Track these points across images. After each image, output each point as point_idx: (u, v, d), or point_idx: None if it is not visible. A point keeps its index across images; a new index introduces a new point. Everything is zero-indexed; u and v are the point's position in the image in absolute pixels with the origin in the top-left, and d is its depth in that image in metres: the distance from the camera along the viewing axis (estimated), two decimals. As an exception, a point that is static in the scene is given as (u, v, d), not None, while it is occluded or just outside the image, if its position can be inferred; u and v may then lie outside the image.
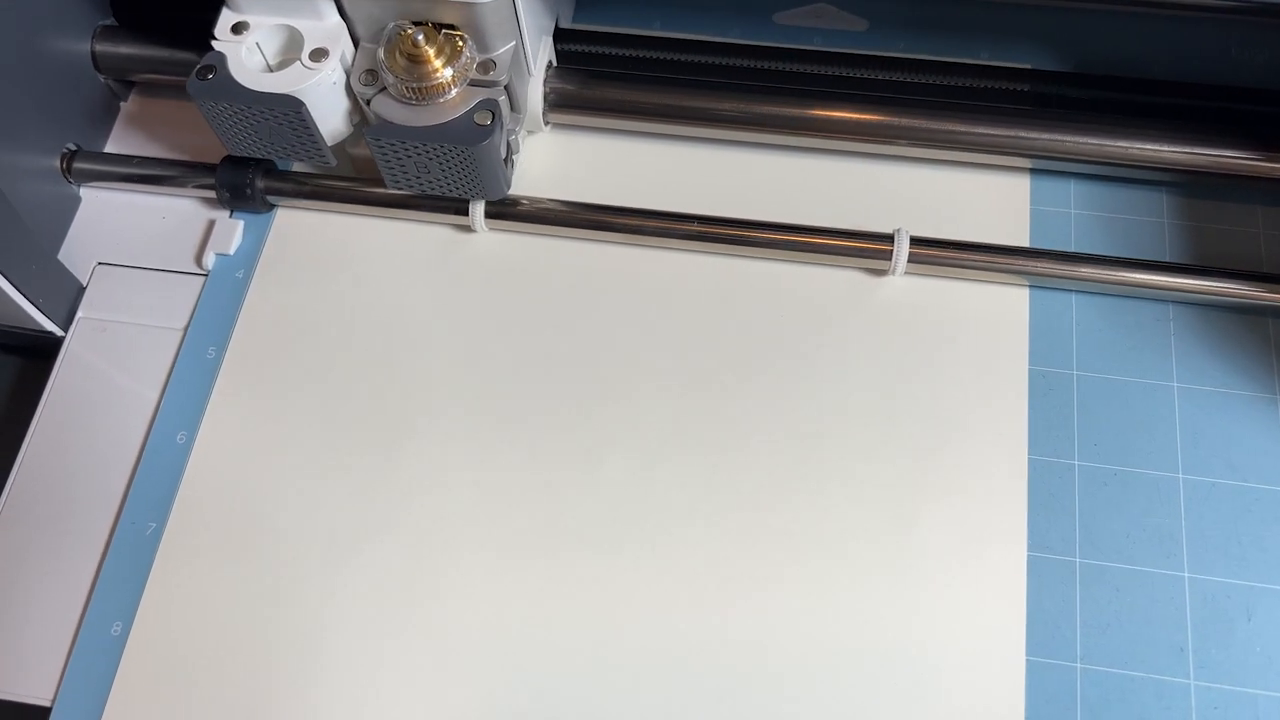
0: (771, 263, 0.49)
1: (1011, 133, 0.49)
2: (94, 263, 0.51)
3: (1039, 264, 0.47)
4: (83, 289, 0.50)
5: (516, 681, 0.41)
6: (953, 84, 0.51)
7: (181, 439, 0.46)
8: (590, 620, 0.42)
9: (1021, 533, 0.43)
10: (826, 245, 0.48)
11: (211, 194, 0.51)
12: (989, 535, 0.43)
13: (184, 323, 0.49)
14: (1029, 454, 0.44)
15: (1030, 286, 0.48)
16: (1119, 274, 0.47)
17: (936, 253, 0.47)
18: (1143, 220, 0.50)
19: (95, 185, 0.53)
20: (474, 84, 0.45)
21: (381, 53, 0.45)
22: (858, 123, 0.50)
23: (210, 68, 0.45)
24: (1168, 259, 0.48)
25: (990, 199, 0.50)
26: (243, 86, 0.44)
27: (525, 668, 0.41)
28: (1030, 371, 0.46)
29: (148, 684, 0.42)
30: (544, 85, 0.50)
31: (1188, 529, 0.43)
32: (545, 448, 0.45)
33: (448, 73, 0.44)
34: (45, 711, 0.42)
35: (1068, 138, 0.48)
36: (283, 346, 0.48)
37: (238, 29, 0.46)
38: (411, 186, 0.48)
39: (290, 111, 0.45)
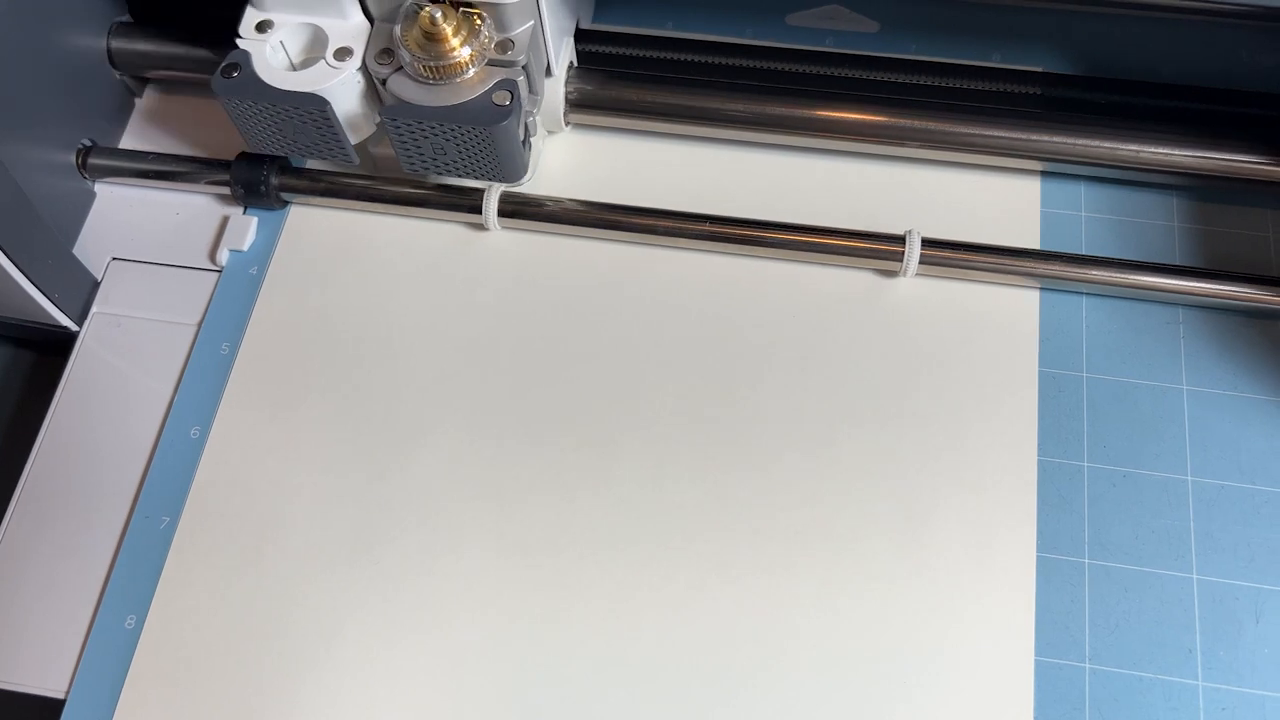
0: (783, 263, 0.49)
1: (1022, 135, 0.49)
2: (108, 258, 0.51)
3: (1049, 266, 0.47)
4: (97, 284, 0.50)
5: (526, 682, 0.41)
6: (964, 86, 0.51)
7: (195, 434, 0.46)
8: (602, 622, 0.42)
9: (1031, 533, 0.43)
10: (838, 246, 0.48)
11: (226, 190, 0.51)
12: (999, 535, 0.43)
13: (198, 318, 0.49)
14: (1039, 455, 0.45)
15: (1041, 289, 0.48)
16: (1129, 277, 0.47)
17: (947, 254, 0.48)
18: (1153, 223, 0.50)
19: (110, 181, 0.53)
20: (492, 64, 0.44)
21: (399, 30, 0.44)
22: (869, 124, 0.50)
23: (235, 66, 0.45)
24: (1178, 262, 0.49)
25: (1001, 201, 0.50)
26: (267, 85, 0.44)
27: (534, 668, 0.42)
28: (1040, 373, 0.46)
29: (161, 677, 0.42)
30: (565, 85, 0.50)
31: (1196, 531, 0.43)
32: (557, 446, 0.46)
33: (465, 51, 0.43)
34: (59, 704, 0.42)
35: (1079, 141, 0.49)
36: (296, 342, 0.48)
37: (262, 27, 0.46)
38: (428, 169, 0.48)
39: (315, 110, 0.45)
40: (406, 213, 0.51)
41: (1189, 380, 0.46)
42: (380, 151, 0.50)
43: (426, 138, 0.45)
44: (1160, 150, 0.48)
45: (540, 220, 0.50)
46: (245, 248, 0.51)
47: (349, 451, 0.46)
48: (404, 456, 0.46)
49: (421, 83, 0.44)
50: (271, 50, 0.46)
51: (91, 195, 0.53)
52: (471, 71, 0.44)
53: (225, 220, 0.51)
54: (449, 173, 0.48)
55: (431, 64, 0.43)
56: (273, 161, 0.50)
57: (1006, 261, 0.47)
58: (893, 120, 0.50)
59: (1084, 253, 0.49)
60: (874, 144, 0.50)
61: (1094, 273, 0.47)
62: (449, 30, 0.43)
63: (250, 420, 0.47)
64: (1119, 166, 0.49)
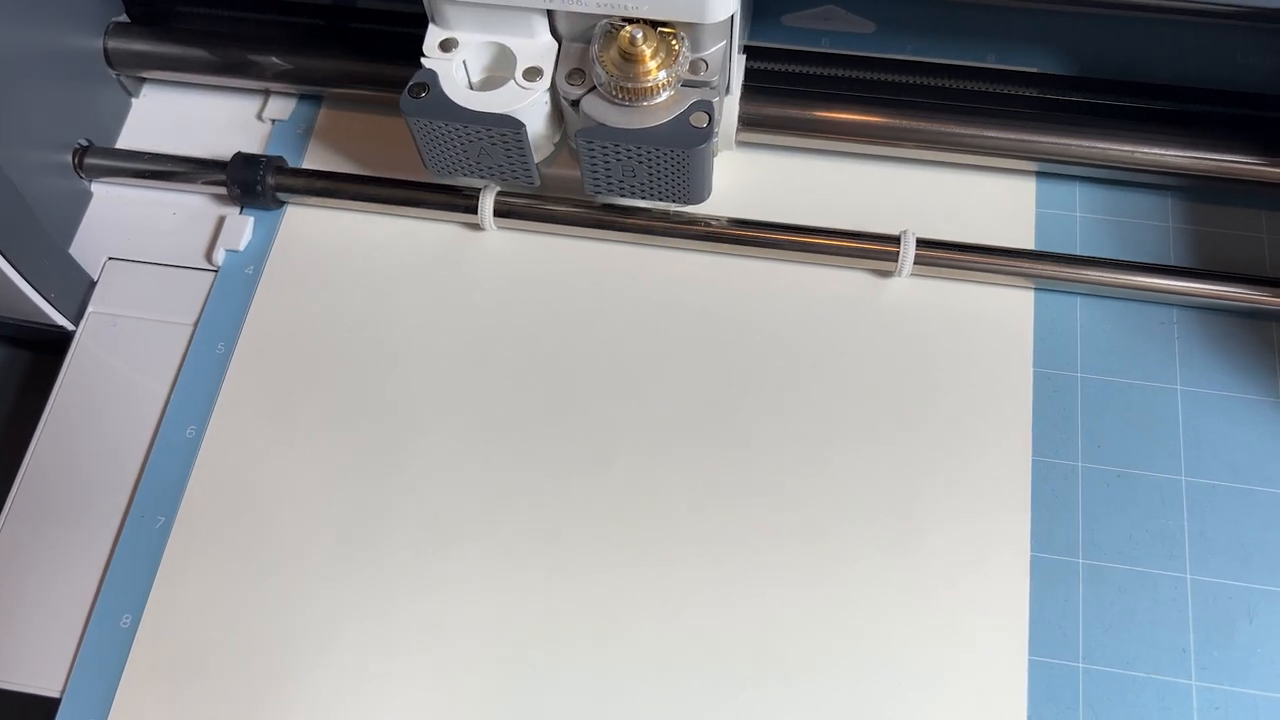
0: (778, 263, 0.49)
1: (1018, 136, 0.49)
2: (105, 258, 0.51)
3: (1044, 267, 0.47)
4: (94, 284, 0.51)
5: (522, 684, 0.41)
6: (959, 87, 0.51)
7: (191, 433, 0.46)
8: (598, 624, 0.42)
9: (1025, 533, 0.43)
10: (833, 246, 0.48)
11: (222, 190, 0.51)
12: (993, 535, 0.43)
13: (194, 318, 0.49)
14: (1033, 455, 0.45)
15: (1035, 289, 0.48)
16: (1123, 277, 0.47)
17: (942, 255, 0.48)
18: (1147, 224, 0.50)
19: (107, 181, 0.53)
20: (686, 84, 0.43)
21: (595, 49, 0.42)
22: (865, 125, 0.50)
23: (423, 85, 0.43)
24: (1172, 263, 0.49)
25: (996, 202, 0.50)
26: (459, 106, 0.43)
27: (531, 671, 0.42)
28: (1035, 373, 0.46)
29: (157, 676, 0.42)
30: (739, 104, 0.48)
31: (1190, 530, 0.43)
32: (551, 445, 0.46)
33: (662, 75, 0.42)
34: (55, 703, 0.42)
35: (1074, 141, 0.49)
36: (292, 342, 0.48)
37: (446, 46, 0.44)
38: (613, 191, 0.47)
39: (509, 132, 0.43)
40: (402, 213, 0.51)
41: (1183, 380, 0.46)
42: (553, 171, 0.49)
43: (619, 160, 0.44)
44: (1155, 151, 0.48)
45: (536, 220, 0.50)
46: (241, 248, 0.51)
47: (345, 452, 0.46)
48: (400, 456, 0.46)
49: (616, 104, 0.43)
50: (456, 69, 0.44)
51: (88, 195, 0.53)
52: (666, 94, 0.43)
53: (221, 220, 0.51)
54: (633, 195, 0.47)
55: (628, 85, 0.42)
56: (269, 161, 0.50)
57: (1001, 262, 0.47)
58: (888, 121, 0.50)
59: (1079, 253, 0.49)
60: (870, 144, 0.50)
61: (1089, 273, 0.47)
62: (648, 51, 0.42)
63: (246, 420, 0.47)
64: (1114, 167, 0.49)
